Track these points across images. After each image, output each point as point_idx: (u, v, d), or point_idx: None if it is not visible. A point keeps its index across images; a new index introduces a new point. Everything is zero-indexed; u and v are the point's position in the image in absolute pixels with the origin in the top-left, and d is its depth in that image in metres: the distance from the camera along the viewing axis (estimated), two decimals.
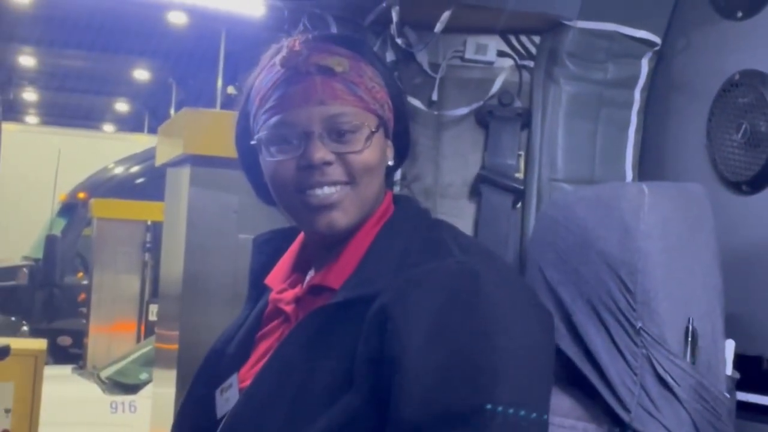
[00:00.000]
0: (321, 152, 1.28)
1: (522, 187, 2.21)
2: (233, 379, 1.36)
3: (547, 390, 1.24)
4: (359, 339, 1.21)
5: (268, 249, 1.49)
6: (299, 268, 1.41)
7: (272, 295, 1.40)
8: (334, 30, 2.17)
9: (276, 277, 1.42)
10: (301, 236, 1.44)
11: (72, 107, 20.73)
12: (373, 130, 1.32)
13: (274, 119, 1.31)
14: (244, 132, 1.39)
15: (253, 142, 1.35)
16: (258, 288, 1.47)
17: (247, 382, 1.32)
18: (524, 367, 1.20)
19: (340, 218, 1.30)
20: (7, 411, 4.13)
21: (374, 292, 1.23)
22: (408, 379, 1.16)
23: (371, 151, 1.31)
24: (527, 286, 1.37)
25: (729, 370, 1.76)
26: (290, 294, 1.37)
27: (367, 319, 1.21)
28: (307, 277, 1.38)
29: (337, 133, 1.30)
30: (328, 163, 1.29)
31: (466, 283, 1.21)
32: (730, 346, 1.76)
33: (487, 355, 1.17)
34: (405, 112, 1.43)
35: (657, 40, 2.20)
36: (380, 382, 1.18)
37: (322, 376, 1.22)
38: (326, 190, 1.29)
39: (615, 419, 1.69)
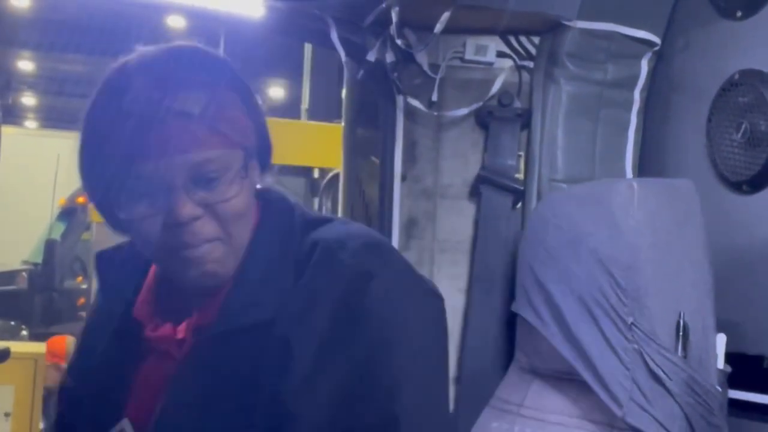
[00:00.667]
0: (188, 207, 1.14)
1: (522, 188, 2.21)
2: (124, 424, 1.23)
3: (446, 391, 1.23)
4: (257, 369, 1.14)
5: (117, 267, 1.33)
6: (168, 298, 1.27)
7: (147, 333, 1.25)
8: (334, 33, 2.17)
9: (143, 310, 1.27)
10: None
11: (71, 111, 20.72)
12: (240, 170, 1.17)
13: (128, 171, 1.14)
14: (93, 166, 1.20)
15: (102, 197, 1.19)
16: (113, 313, 1.29)
17: (143, 422, 1.21)
18: (424, 373, 1.18)
19: (218, 270, 1.18)
20: (6, 415, 4.12)
21: (261, 318, 1.16)
22: (308, 405, 1.11)
23: (242, 195, 1.18)
24: (415, 272, 1.26)
25: (720, 364, 1.76)
26: (167, 331, 1.23)
27: (264, 349, 1.14)
28: (189, 316, 1.23)
29: (204, 182, 1.15)
30: (197, 218, 1.15)
31: (357, 292, 1.15)
32: (721, 341, 1.77)
33: (386, 367, 1.13)
34: (264, 127, 1.26)
35: (657, 40, 2.20)
36: (284, 415, 1.12)
37: (222, 412, 1.15)
38: (198, 250, 1.16)
39: (608, 415, 1.70)
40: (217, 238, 1.17)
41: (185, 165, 1.14)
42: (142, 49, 1.21)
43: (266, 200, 1.26)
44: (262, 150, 1.24)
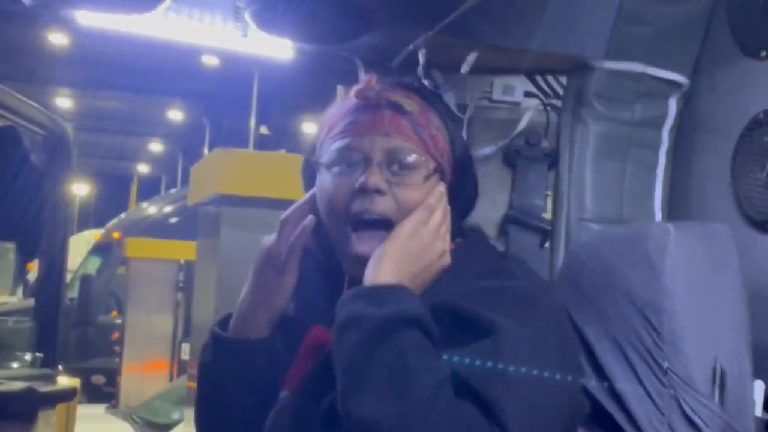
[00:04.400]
0: (375, 178, 1.34)
1: (550, 228, 2.22)
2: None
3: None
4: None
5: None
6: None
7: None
8: (361, 74, 2.20)
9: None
10: None
11: (107, 147, 20.98)
12: (431, 172, 1.38)
13: (338, 143, 1.38)
14: (310, 164, 1.46)
15: (319, 159, 1.41)
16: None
17: None
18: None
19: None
20: None
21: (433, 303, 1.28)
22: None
23: (423, 192, 1.37)
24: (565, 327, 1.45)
25: (759, 411, 1.74)
26: None
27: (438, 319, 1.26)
28: None
29: (396, 165, 1.36)
30: (380, 192, 1.34)
31: (530, 301, 1.31)
32: (759, 387, 1.75)
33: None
34: (468, 168, 1.48)
35: (684, 80, 2.20)
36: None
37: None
38: (370, 233, 1.34)
39: None
40: (389, 220, 1.35)
41: (385, 145, 1.37)
42: None
43: (473, 234, 1.50)
44: (458, 188, 1.46)
